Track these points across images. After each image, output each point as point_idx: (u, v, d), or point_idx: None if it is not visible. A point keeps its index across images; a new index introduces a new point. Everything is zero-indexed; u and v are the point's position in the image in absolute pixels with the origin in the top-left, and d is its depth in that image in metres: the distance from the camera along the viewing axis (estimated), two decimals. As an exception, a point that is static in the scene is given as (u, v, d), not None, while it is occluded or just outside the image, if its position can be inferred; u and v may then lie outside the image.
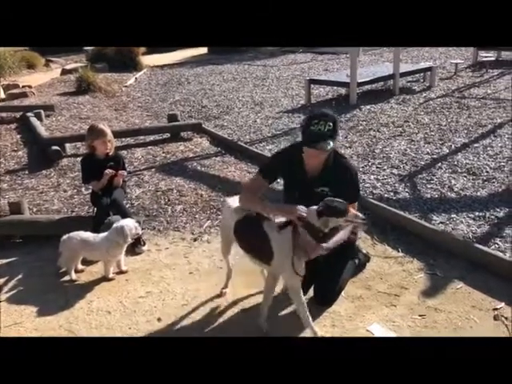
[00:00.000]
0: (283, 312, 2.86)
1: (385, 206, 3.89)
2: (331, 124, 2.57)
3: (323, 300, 2.87)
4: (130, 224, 3.30)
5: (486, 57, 9.72)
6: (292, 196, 2.82)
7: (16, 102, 9.11)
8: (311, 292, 2.90)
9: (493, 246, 3.33)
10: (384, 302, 2.89)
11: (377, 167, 4.92)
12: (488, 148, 5.19)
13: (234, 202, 2.83)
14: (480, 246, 3.24)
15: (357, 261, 3.14)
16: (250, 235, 2.66)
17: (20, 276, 3.43)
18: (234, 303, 2.97)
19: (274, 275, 2.65)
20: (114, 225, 3.31)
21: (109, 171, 3.73)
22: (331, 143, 2.57)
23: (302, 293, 2.60)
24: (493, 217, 3.74)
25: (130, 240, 3.32)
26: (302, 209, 2.45)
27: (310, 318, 2.60)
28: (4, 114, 8.31)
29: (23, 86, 10.20)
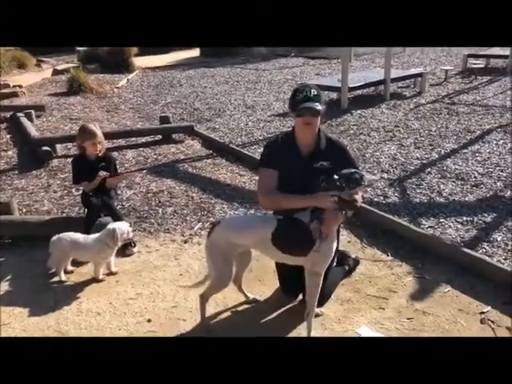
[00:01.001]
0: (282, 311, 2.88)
1: (374, 209, 3.93)
2: (315, 91, 2.66)
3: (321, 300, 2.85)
4: (122, 227, 3.29)
5: (475, 64, 9.84)
6: (290, 179, 2.73)
7: (6, 102, 9.05)
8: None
9: (480, 251, 3.38)
10: (373, 305, 2.92)
11: (367, 171, 4.96)
12: (476, 154, 5.26)
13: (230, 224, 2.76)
14: (468, 251, 3.29)
15: (346, 267, 3.17)
16: (291, 234, 2.59)
17: (9, 276, 3.41)
18: (224, 305, 2.98)
19: (313, 271, 2.60)
20: (107, 226, 3.30)
21: (102, 173, 3.72)
22: (319, 105, 2.62)
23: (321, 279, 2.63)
24: (481, 222, 3.79)
25: (120, 243, 3.32)
26: (325, 194, 2.48)
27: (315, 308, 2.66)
28: (-6, 114, 8.26)
29: (14, 86, 10.14)
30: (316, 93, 2.65)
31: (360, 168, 2.73)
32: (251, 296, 3.02)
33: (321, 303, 2.83)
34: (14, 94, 9.56)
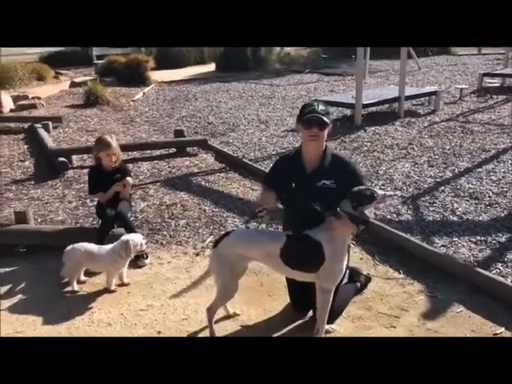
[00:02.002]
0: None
1: (387, 227, 3.92)
2: (323, 106, 2.71)
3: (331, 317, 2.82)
4: (135, 239, 3.32)
5: (490, 83, 9.81)
6: (293, 193, 2.77)
7: (25, 113, 9.23)
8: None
9: (494, 271, 3.34)
10: (384, 323, 2.90)
11: (380, 188, 4.94)
12: (491, 173, 5.22)
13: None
14: (481, 270, 3.25)
15: (358, 284, 3.16)
16: (300, 250, 2.60)
17: (23, 285, 3.46)
18: (234, 319, 2.98)
19: (323, 287, 2.60)
20: (121, 238, 3.34)
21: (118, 184, 3.78)
22: (326, 118, 2.66)
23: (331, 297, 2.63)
24: (494, 241, 3.75)
25: (133, 255, 3.35)
26: (338, 220, 2.52)
27: (325, 324, 2.67)
28: (12, 125, 8.41)
29: (32, 98, 10.32)
30: (323, 108, 2.70)
31: (368, 185, 2.76)
32: (231, 310, 3.01)
33: (332, 320, 2.82)
34: (33, 106, 9.74)
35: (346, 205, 2.52)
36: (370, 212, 2.56)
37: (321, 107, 2.68)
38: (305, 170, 2.78)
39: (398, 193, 4.78)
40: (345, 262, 2.61)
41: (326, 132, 2.70)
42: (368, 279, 3.27)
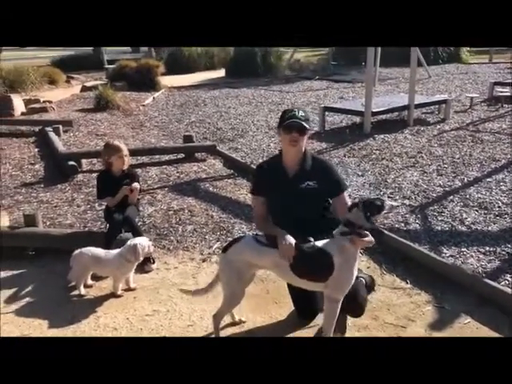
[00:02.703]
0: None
1: (395, 236, 3.89)
2: (303, 112, 2.78)
3: (359, 308, 2.81)
4: (143, 243, 3.34)
5: (501, 92, 9.75)
6: (278, 199, 2.82)
7: (36, 117, 9.32)
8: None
9: (503, 282, 3.31)
10: (390, 334, 2.88)
11: (388, 197, 4.93)
12: (501, 183, 5.18)
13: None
14: (489, 282, 3.22)
15: (363, 280, 3.12)
16: (309, 259, 2.59)
17: (30, 288, 3.48)
18: (240, 326, 2.98)
19: (331, 297, 2.59)
20: (128, 242, 3.35)
21: (126, 188, 3.80)
22: (305, 124, 2.73)
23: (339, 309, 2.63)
24: (504, 252, 3.72)
25: (141, 258, 3.36)
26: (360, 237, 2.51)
27: (331, 333, 2.65)
28: (24, 128, 8.50)
29: (44, 101, 10.42)
30: (303, 114, 2.77)
31: (349, 186, 2.79)
32: (237, 317, 3.00)
33: (364, 308, 2.83)
34: (44, 109, 9.84)
35: (357, 216, 2.51)
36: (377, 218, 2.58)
37: (301, 113, 2.76)
38: (287, 174, 2.85)
39: (406, 202, 4.76)
40: (354, 273, 2.60)
41: (305, 137, 2.79)
42: (372, 279, 3.22)
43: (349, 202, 2.83)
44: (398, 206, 2.64)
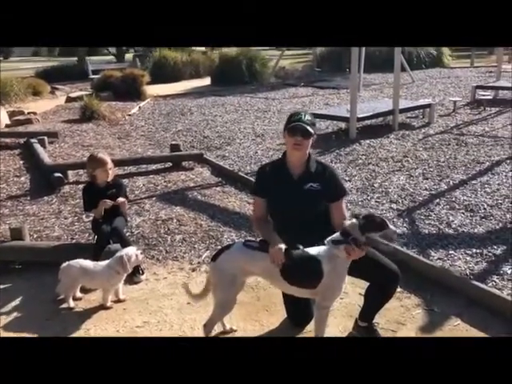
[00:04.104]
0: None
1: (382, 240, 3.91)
2: (309, 116, 2.80)
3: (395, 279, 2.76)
4: (129, 252, 3.32)
5: (483, 95, 9.91)
6: (281, 200, 2.80)
7: (21, 128, 9.23)
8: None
9: (490, 284, 3.35)
10: (381, 338, 2.89)
11: (375, 201, 4.98)
12: (486, 185, 5.25)
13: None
14: (477, 283, 3.26)
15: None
16: (299, 266, 2.58)
17: (18, 302, 3.44)
18: (231, 335, 2.97)
19: (321, 304, 2.60)
20: (116, 254, 3.33)
21: (105, 201, 3.75)
22: (310, 128, 2.74)
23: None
24: (490, 254, 3.77)
25: (130, 269, 3.34)
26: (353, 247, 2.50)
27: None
28: (8, 140, 8.40)
29: (28, 113, 10.35)
30: (310, 118, 2.79)
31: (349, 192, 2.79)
32: (228, 326, 2.99)
33: (369, 318, 2.83)
34: (29, 121, 9.75)
35: (354, 227, 2.50)
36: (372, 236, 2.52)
37: (307, 117, 2.77)
38: (291, 176, 2.84)
39: (393, 206, 4.80)
40: (344, 280, 2.61)
41: (309, 141, 2.79)
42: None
43: (345, 208, 2.85)
44: (395, 233, 2.61)
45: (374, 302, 2.79)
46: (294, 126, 2.73)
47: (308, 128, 2.73)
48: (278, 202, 2.83)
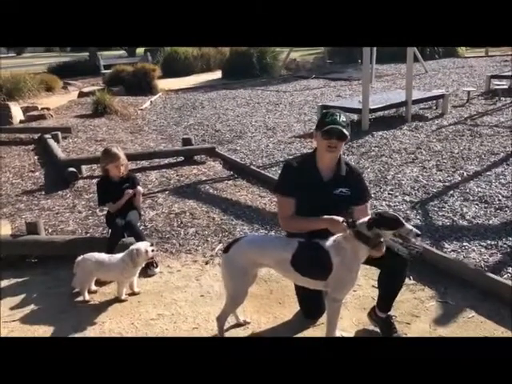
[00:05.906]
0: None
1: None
2: (344, 117, 2.71)
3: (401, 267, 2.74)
4: (142, 247, 3.34)
5: (498, 85, 9.76)
6: (309, 202, 2.74)
7: (34, 124, 9.33)
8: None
9: (505, 275, 3.32)
10: (395, 330, 2.88)
11: (388, 193, 4.95)
12: (500, 176, 5.19)
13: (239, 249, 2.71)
14: (492, 275, 3.23)
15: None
16: (310, 257, 2.58)
17: (34, 295, 3.49)
18: (245, 327, 2.99)
19: (332, 296, 2.60)
20: (130, 247, 3.36)
21: (129, 191, 3.82)
22: (346, 132, 2.66)
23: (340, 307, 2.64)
24: (505, 246, 3.73)
25: (143, 263, 3.37)
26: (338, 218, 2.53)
27: (335, 333, 2.66)
28: (23, 136, 8.52)
29: (42, 109, 10.44)
30: (344, 119, 2.70)
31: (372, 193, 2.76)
32: (242, 319, 3.00)
33: (387, 308, 2.81)
34: (42, 117, 9.85)
35: (362, 224, 2.49)
36: (386, 235, 2.49)
37: (342, 118, 2.68)
38: (321, 179, 2.78)
39: (407, 198, 4.77)
40: (356, 273, 2.59)
41: (343, 143, 2.73)
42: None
43: (369, 212, 2.81)
44: (419, 236, 2.53)
45: (387, 289, 2.78)
46: (330, 130, 2.64)
47: (344, 131, 2.65)
48: (305, 204, 2.75)
